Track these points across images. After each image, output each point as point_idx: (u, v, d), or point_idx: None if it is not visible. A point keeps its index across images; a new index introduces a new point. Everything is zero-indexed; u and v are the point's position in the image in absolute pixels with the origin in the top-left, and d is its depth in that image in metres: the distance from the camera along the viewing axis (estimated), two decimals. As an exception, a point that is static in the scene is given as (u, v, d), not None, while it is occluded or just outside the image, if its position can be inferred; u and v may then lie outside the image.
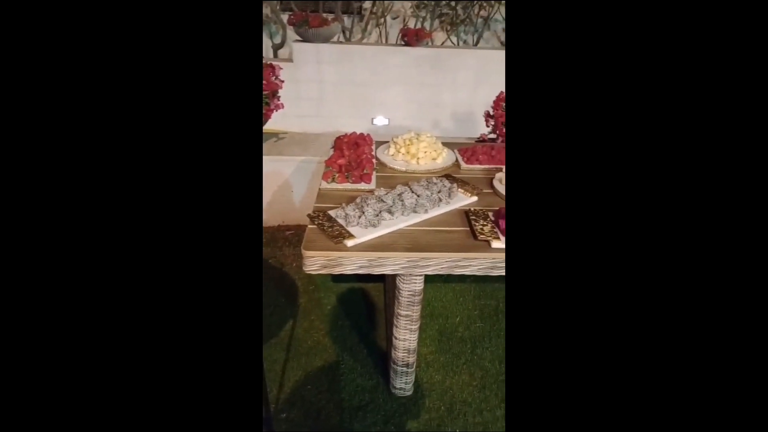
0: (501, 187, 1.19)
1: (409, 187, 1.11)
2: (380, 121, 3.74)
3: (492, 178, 1.25)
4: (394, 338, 1.17)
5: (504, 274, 0.98)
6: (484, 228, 0.99)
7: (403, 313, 1.10)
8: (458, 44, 3.97)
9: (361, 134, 1.47)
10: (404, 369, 1.21)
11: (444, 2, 3.85)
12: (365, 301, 1.67)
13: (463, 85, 3.56)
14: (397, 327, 1.14)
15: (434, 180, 1.15)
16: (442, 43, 3.95)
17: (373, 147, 1.45)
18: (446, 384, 1.33)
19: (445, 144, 1.49)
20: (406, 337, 1.15)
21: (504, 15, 3.88)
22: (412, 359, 1.20)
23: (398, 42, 3.60)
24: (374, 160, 1.34)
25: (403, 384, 1.24)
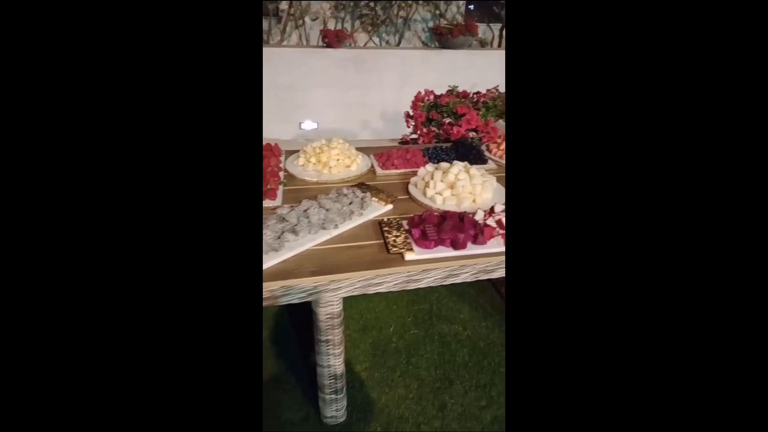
0: (416, 192, 1.15)
1: (316, 201, 1.02)
2: (309, 125, 3.60)
3: (408, 183, 1.20)
4: (318, 366, 1.08)
5: (421, 286, 0.93)
6: (397, 239, 0.93)
7: (323, 338, 1.01)
8: (381, 44, 3.95)
9: (268, 144, 1.35)
10: (333, 396, 1.12)
11: (363, 3, 3.81)
12: (292, 324, 1.55)
13: (389, 85, 3.55)
14: (319, 353, 1.05)
15: (344, 191, 1.07)
16: (365, 44, 3.91)
17: (282, 158, 1.34)
18: (382, 402, 1.26)
19: (360, 149, 1.42)
20: (330, 363, 1.06)
21: (422, 15, 3.94)
22: (340, 384, 1.12)
23: (319, 44, 3.48)
24: (282, 173, 1.22)
25: (334, 412, 1.15)
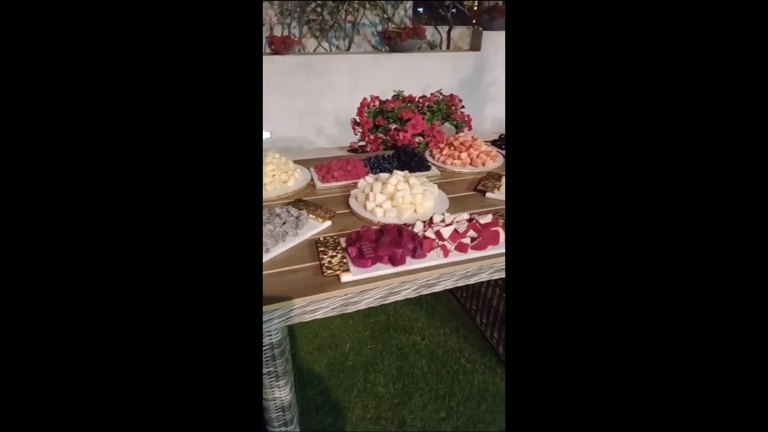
0: (357, 205, 1.10)
1: (245, 224, 0.95)
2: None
3: (349, 196, 1.15)
4: (263, 399, 1.00)
5: (361, 308, 0.88)
6: (333, 260, 0.88)
7: (264, 371, 0.94)
8: (330, 50, 3.89)
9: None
10: (283, 429, 1.05)
11: (309, 8, 3.73)
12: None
13: (341, 91, 3.50)
14: (262, 387, 0.97)
15: (277, 210, 1.01)
16: (314, 49, 3.83)
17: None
18: (338, 426, 1.20)
19: (301, 162, 1.36)
20: (276, 396, 0.99)
21: (370, 20, 3.92)
22: (290, 416, 1.05)
23: (266, 51, 3.37)
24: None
25: (285, 445, 1.08)
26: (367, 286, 0.86)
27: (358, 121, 1.90)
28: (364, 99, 1.92)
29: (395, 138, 1.74)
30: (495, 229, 0.96)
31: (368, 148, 1.83)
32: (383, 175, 1.14)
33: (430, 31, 3.87)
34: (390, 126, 1.80)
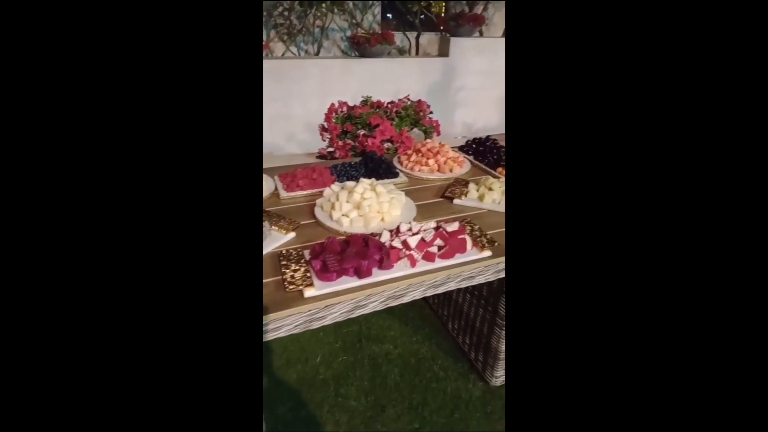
0: (322, 215, 1.07)
1: (201, 239, 0.89)
2: (228, 141, 3.36)
3: (314, 206, 1.12)
4: (225, 422, 0.94)
5: (327, 323, 0.85)
6: (296, 274, 0.84)
7: (224, 393, 0.89)
8: (299, 54, 3.84)
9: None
10: (247, 453, 0.99)
11: (277, 12, 3.66)
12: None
13: (311, 96, 3.45)
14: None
15: (237, 223, 0.96)
16: (283, 53, 3.76)
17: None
18: (308, 445, 1.16)
19: (264, 171, 1.31)
20: (238, 418, 0.94)
21: (339, 25, 3.90)
22: (254, 438, 0.99)
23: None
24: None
25: (251, 469, 1.02)
26: (332, 300, 0.82)
27: (326, 127, 1.86)
28: (332, 105, 1.89)
29: (364, 144, 1.72)
30: (462, 237, 0.95)
31: (337, 155, 1.80)
32: (349, 184, 1.11)
33: (398, 37, 3.89)
34: (358, 132, 1.78)
